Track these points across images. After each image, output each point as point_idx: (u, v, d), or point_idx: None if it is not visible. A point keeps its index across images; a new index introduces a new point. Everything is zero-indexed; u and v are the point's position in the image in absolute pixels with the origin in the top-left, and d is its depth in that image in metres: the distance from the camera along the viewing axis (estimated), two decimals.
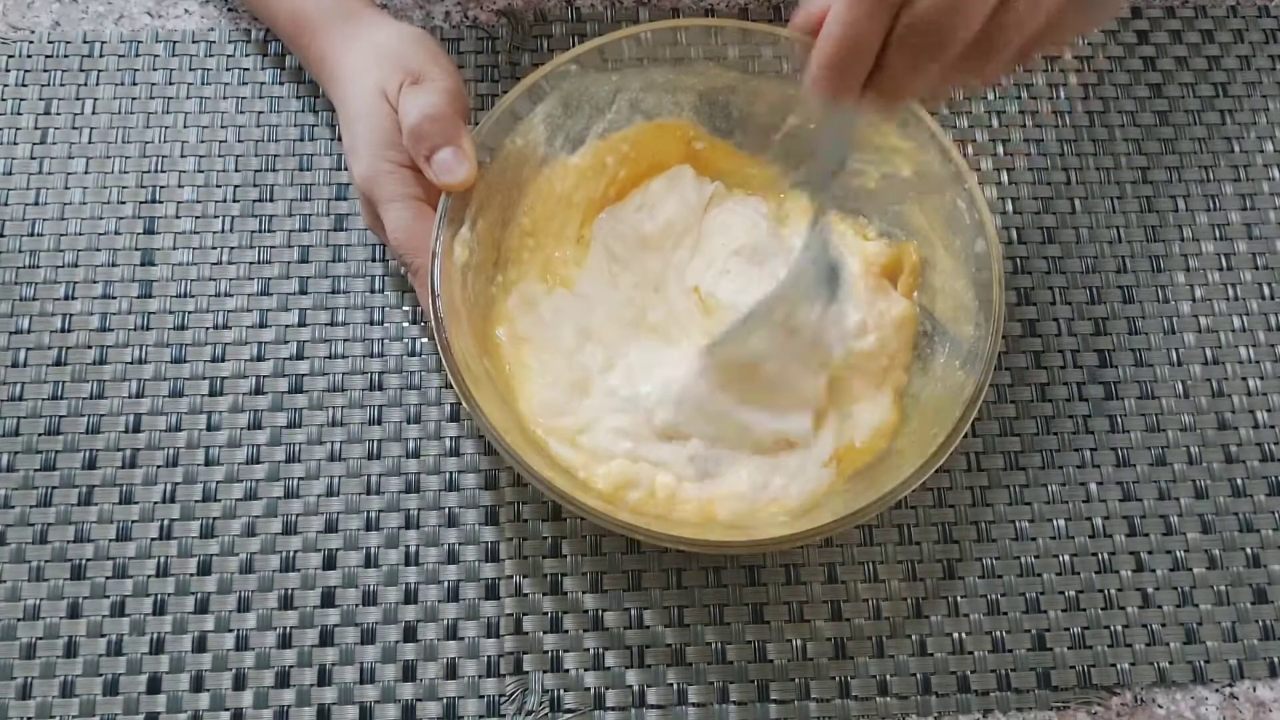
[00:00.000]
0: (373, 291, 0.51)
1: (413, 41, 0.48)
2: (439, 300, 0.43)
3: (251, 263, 0.51)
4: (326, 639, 0.45)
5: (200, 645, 0.45)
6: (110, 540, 0.46)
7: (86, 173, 0.52)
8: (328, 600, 0.46)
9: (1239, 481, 0.50)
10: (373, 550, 0.47)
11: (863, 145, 0.47)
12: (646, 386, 0.46)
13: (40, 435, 0.48)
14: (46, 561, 0.46)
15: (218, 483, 0.48)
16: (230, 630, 0.45)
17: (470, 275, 0.46)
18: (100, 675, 0.45)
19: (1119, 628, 0.47)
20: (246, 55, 0.55)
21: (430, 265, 0.43)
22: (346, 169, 0.50)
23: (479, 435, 0.49)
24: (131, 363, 0.49)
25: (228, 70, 0.55)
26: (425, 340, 0.50)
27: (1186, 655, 0.47)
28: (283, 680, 0.45)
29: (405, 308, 0.51)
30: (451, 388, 0.49)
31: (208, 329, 0.50)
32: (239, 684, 0.45)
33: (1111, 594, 0.47)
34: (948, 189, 0.47)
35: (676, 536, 0.42)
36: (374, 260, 0.51)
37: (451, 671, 0.45)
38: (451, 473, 0.48)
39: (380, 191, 0.46)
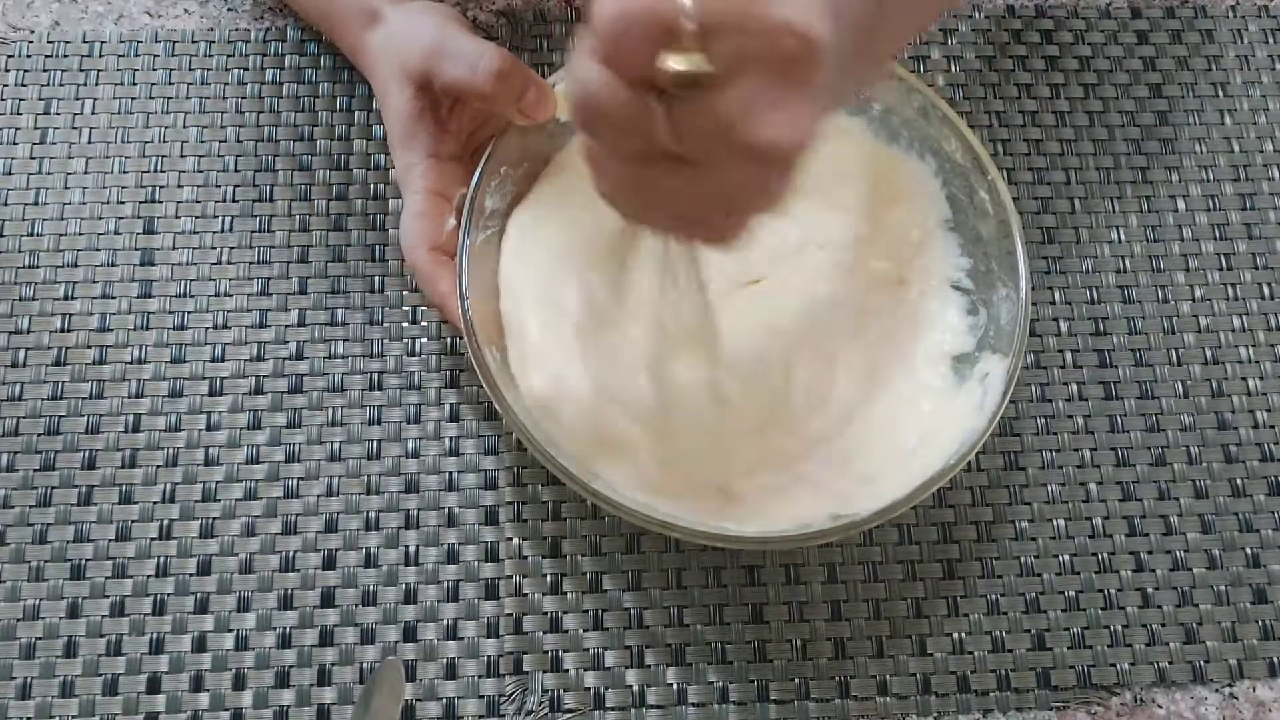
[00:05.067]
0: (372, 292, 0.51)
1: (432, 24, 0.48)
2: (468, 305, 0.44)
3: (251, 263, 0.51)
4: (326, 639, 0.45)
5: (200, 645, 0.45)
6: (110, 540, 0.46)
7: (86, 173, 0.52)
8: (327, 600, 0.46)
9: (1239, 481, 0.50)
10: (372, 550, 0.47)
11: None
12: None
13: (40, 435, 0.48)
14: (46, 561, 0.46)
15: (217, 483, 0.48)
16: (230, 630, 0.45)
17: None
18: (100, 675, 0.45)
19: (1119, 628, 0.47)
20: (246, 55, 0.55)
21: (459, 269, 0.44)
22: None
23: (479, 435, 0.49)
24: (131, 363, 0.49)
25: (228, 70, 0.55)
26: (425, 340, 0.50)
27: (1186, 655, 0.47)
28: (283, 680, 0.45)
29: (405, 308, 0.51)
30: (452, 388, 0.49)
31: (207, 329, 0.50)
32: (239, 684, 0.45)
33: (1111, 594, 0.47)
34: (969, 179, 0.47)
35: (717, 535, 0.42)
36: (373, 260, 0.51)
37: (451, 671, 0.45)
38: (451, 473, 0.48)
39: (404, 185, 0.47)
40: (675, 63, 0.27)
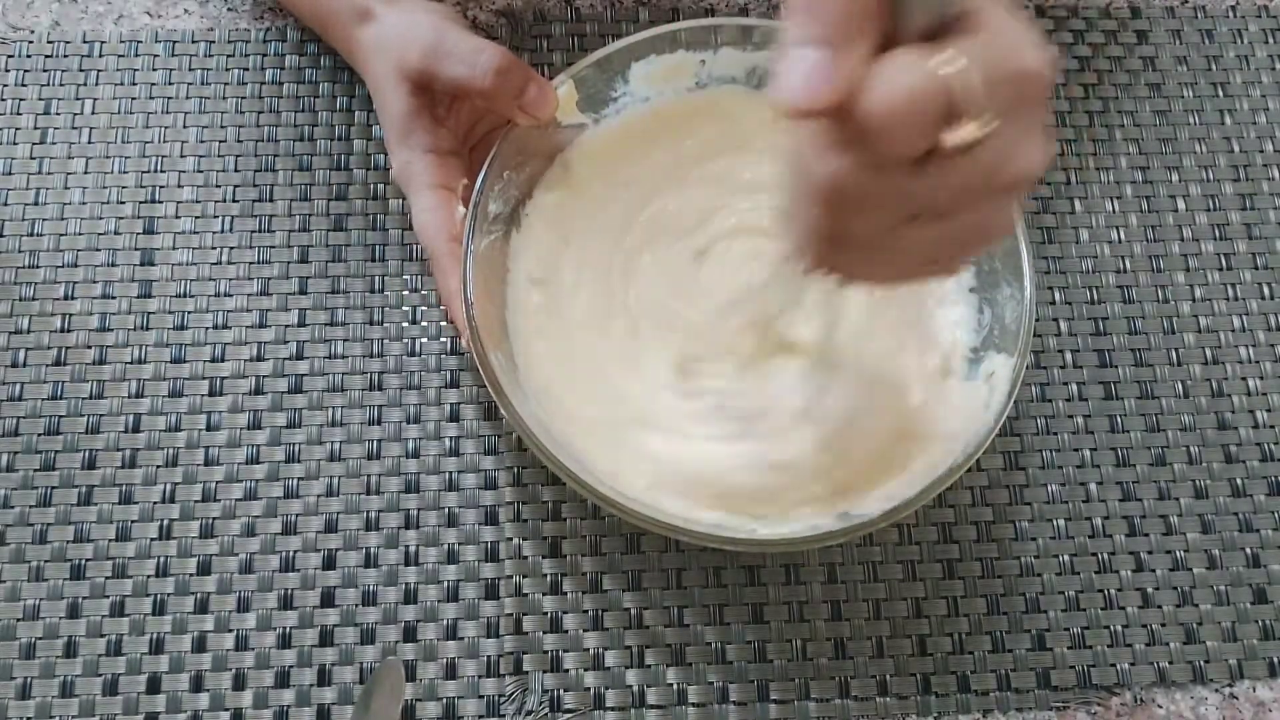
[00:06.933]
0: (372, 292, 0.51)
1: (429, 22, 0.48)
2: (474, 310, 0.43)
3: (251, 263, 0.51)
4: (326, 639, 0.45)
5: (200, 645, 0.45)
6: (110, 540, 0.46)
7: (86, 173, 0.52)
8: (327, 600, 0.46)
9: (1239, 481, 0.50)
10: (372, 550, 0.47)
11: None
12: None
13: (40, 435, 0.48)
14: (46, 561, 0.46)
15: (217, 483, 0.48)
16: (230, 630, 0.45)
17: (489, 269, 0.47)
18: (100, 675, 0.45)
19: (1119, 628, 0.47)
20: (246, 55, 0.55)
21: (464, 274, 0.44)
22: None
23: (479, 435, 0.49)
24: (131, 363, 0.49)
25: (228, 70, 0.55)
26: (425, 340, 0.50)
27: (1186, 655, 0.47)
28: (283, 680, 0.45)
29: (405, 308, 0.51)
30: (452, 388, 0.49)
31: (207, 329, 0.50)
32: (239, 684, 0.45)
33: (1111, 594, 0.47)
34: None
35: (719, 537, 0.42)
36: (373, 260, 0.51)
37: (451, 671, 0.45)
38: (451, 473, 0.48)
39: (406, 183, 0.47)
40: (963, 135, 0.28)
